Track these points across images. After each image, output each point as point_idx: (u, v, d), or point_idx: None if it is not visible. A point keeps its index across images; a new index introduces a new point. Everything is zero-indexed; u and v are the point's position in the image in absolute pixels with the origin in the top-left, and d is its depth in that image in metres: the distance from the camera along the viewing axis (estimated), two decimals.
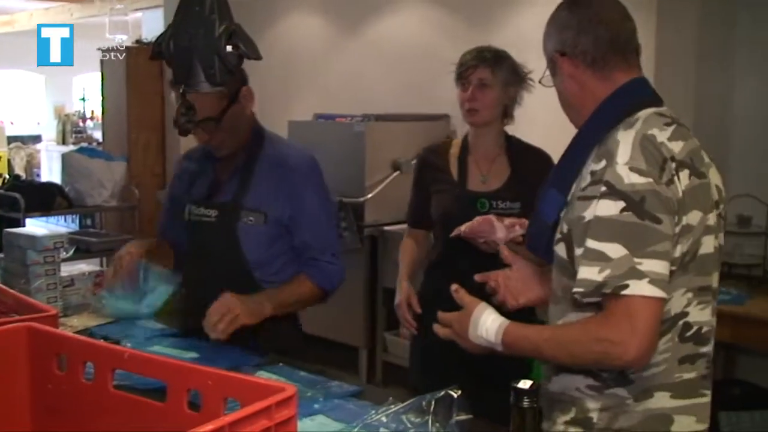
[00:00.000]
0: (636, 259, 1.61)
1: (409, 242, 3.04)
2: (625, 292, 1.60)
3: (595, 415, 1.78)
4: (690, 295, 1.75)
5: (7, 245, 2.80)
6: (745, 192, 4.42)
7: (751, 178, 4.47)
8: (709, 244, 1.75)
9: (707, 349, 1.83)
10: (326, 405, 1.91)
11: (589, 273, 1.64)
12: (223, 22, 1.71)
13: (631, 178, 1.64)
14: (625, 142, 1.70)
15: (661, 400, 1.77)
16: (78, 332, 2.53)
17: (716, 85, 4.49)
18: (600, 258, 1.63)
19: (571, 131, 1.90)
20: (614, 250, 1.62)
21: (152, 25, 7.88)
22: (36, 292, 2.65)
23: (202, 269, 2.55)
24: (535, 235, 1.95)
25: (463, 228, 2.58)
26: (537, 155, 2.90)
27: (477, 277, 2.11)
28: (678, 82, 4.29)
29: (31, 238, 2.72)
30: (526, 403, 1.17)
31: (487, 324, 1.77)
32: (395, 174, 5.20)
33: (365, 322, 5.27)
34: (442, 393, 1.66)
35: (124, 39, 7.85)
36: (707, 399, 1.86)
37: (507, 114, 2.91)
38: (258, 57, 1.77)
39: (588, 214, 1.68)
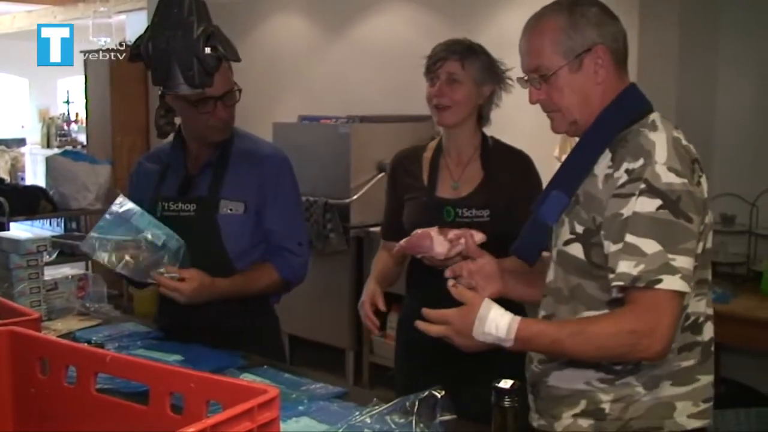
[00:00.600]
0: (670, 255, 1.66)
1: (382, 255, 2.76)
2: (658, 286, 1.65)
3: (607, 406, 1.82)
4: (697, 291, 1.82)
5: None
6: (728, 191, 4.45)
7: (735, 177, 4.50)
8: (709, 240, 1.84)
9: (701, 337, 1.88)
10: (311, 407, 1.91)
11: (626, 267, 1.68)
12: (202, 24, 1.70)
13: (669, 178, 1.69)
14: (660, 142, 1.75)
15: (665, 389, 1.83)
16: (62, 336, 2.52)
17: (699, 85, 4.51)
18: (636, 252, 1.67)
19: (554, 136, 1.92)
20: (649, 245, 1.67)
21: (136, 27, 7.86)
22: (19, 296, 2.64)
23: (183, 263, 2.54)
24: (529, 236, 1.96)
25: (402, 242, 2.34)
26: (515, 158, 2.64)
27: (447, 273, 2.09)
28: (661, 82, 4.31)
29: (14, 242, 2.71)
30: (507, 402, 1.17)
31: (497, 320, 1.75)
32: (380, 175, 5.19)
33: (352, 323, 5.27)
34: (426, 393, 1.66)
35: (107, 42, 7.82)
36: (704, 382, 1.90)
37: (481, 115, 2.63)
38: (237, 59, 1.76)
39: (626, 211, 1.71)
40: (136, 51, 1.82)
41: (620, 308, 1.72)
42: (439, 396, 1.65)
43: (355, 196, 5.23)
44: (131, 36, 7.83)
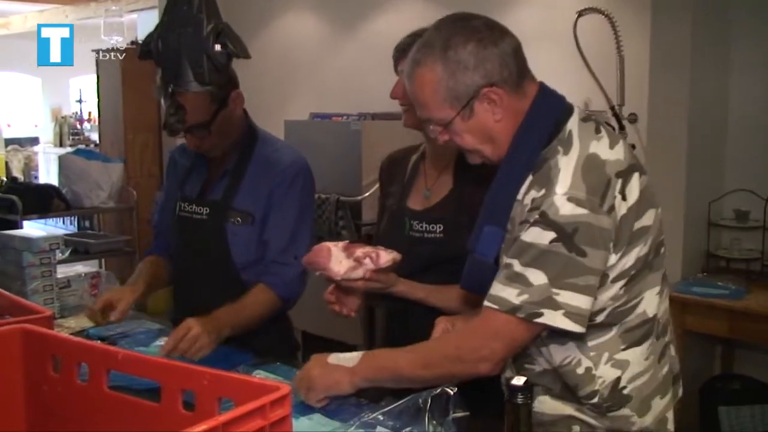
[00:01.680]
0: (554, 290, 1.61)
1: None
2: (538, 320, 1.61)
3: None
4: (659, 291, 1.77)
5: (3, 247, 2.80)
6: (742, 187, 4.42)
7: (749, 173, 4.48)
8: (653, 236, 1.74)
9: (669, 337, 1.85)
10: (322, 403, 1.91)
11: (507, 293, 1.64)
12: (211, 21, 1.70)
13: (567, 209, 1.61)
14: (565, 168, 1.66)
15: (656, 405, 1.79)
16: (74, 334, 2.52)
17: (712, 82, 4.48)
18: (521, 281, 1.63)
19: None
20: (536, 276, 1.62)
21: (147, 26, 7.84)
22: (32, 294, 2.65)
23: (190, 266, 2.56)
24: (474, 275, 1.86)
25: (304, 257, 2.16)
26: (489, 168, 2.14)
27: (326, 296, 2.14)
28: (674, 79, 4.29)
29: (27, 240, 2.72)
30: (520, 399, 1.16)
31: (350, 354, 1.86)
32: None
33: (363, 320, 5.26)
34: (438, 390, 1.65)
35: (119, 40, 7.83)
36: (668, 370, 1.86)
37: None
38: (247, 56, 1.76)
39: (523, 238, 1.65)
40: (146, 48, 1.82)
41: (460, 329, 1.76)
42: (451, 393, 1.64)
43: (366, 193, 5.22)
44: (142, 35, 7.80)
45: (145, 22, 8.16)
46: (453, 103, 1.74)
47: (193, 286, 2.48)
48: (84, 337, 2.45)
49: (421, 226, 2.26)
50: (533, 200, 1.66)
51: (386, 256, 2.05)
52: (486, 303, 1.66)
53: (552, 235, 1.60)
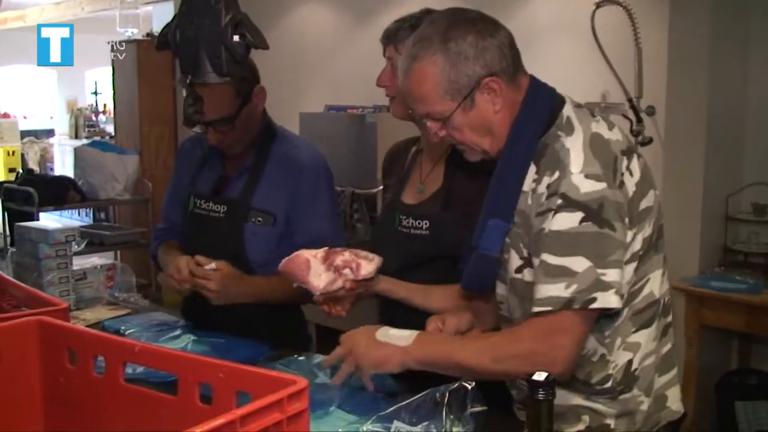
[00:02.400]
0: (600, 270, 1.58)
1: None
2: (593, 305, 1.58)
3: (612, 422, 1.76)
4: (662, 272, 1.77)
5: (19, 239, 2.80)
6: (760, 180, 4.39)
7: (766, 167, 4.44)
8: (655, 215, 1.74)
9: (670, 318, 1.84)
10: (339, 397, 1.89)
11: (555, 290, 1.59)
12: (230, 12, 1.69)
13: (587, 186, 1.60)
14: (574, 148, 1.66)
15: (657, 383, 1.79)
16: (90, 326, 2.53)
17: (731, 74, 4.44)
18: (564, 273, 1.59)
19: None
20: (578, 263, 1.58)
21: (162, 18, 7.86)
22: (48, 286, 2.65)
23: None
24: (476, 271, 1.83)
25: (282, 262, 2.06)
26: (476, 164, 2.04)
27: (320, 301, 2.07)
28: (692, 72, 4.25)
29: (43, 232, 2.72)
30: (541, 395, 1.15)
31: (401, 332, 1.78)
32: None
33: (377, 313, 5.26)
34: (456, 385, 1.64)
35: (134, 32, 7.85)
36: (677, 363, 1.87)
37: None
38: (265, 46, 1.75)
39: (546, 227, 1.62)
40: (163, 39, 1.81)
41: (524, 326, 1.67)
42: (469, 387, 1.63)
43: (381, 186, 5.21)
44: (158, 26, 7.84)
45: (160, 14, 8.16)
46: (454, 95, 1.73)
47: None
48: (99, 329, 2.45)
49: (409, 222, 2.21)
50: (548, 186, 1.65)
51: (367, 267, 1.99)
52: (536, 309, 1.61)
53: (580, 215, 1.59)
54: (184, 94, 2.35)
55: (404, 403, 1.67)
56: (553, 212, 1.61)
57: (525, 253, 1.72)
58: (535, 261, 1.65)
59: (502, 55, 1.74)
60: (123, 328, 2.49)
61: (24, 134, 12.60)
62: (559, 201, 1.60)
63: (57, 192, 6.56)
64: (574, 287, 1.58)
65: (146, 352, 1.39)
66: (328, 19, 6.68)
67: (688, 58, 4.26)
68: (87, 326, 2.46)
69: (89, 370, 1.43)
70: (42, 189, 6.44)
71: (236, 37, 1.68)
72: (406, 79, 1.79)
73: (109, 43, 7.78)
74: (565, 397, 1.77)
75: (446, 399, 1.63)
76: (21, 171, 8.62)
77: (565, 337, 1.60)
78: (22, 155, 11.92)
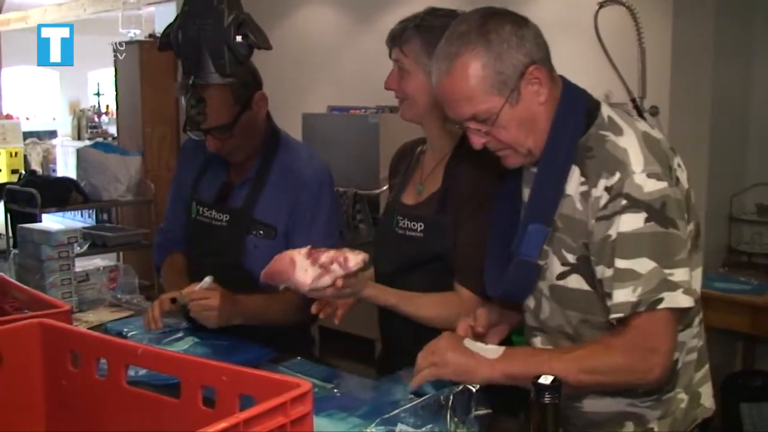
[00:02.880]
0: (666, 271, 1.55)
1: None
2: (661, 306, 1.54)
3: (655, 425, 1.74)
4: (701, 270, 1.74)
5: (22, 240, 2.80)
6: (764, 181, 4.38)
7: None
8: (696, 218, 1.73)
9: (702, 314, 1.82)
10: (342, 400, 1.89)
11: (624, 295, 1.56)
12: (232, 12, 1.67)
13: (650, 186, 1.57)
14: (631, 147, 1.62)
15: (694, 379, 1.78)
16: (93, 328, 2.53)
17: (735, 74, 4.44)
18: (630, 276, 1.56)
19: None
20: (643, 264, 1.55)
21: (165, 19, 7.87)
22: (50, 288, 2.65)
23: (207, 271, 2.49)
24: (517, 279, 1.77)
25: (265, 269, 2.00)
26: (473, 165, 2.11)
27: (313, 309, 2.03)
28: (696, 72, 4.25)
29: (46, 233, 2.71)
30: (547, 398, 1.14)
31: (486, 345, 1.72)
32: None
33: (378, 319, 5.25)
34: (461, 387, 1.64)
35: (137, 33, 7.84)
36: (703, 344, 1.84)
37: None
38: (268, 47, 1.73)
39: (613, 232, 1.59)
40: (166, 40, 1.80)
41: (614, 336, 1.60)
42: (474, 390, 1.63)
43: (384, 187, 5.20)
44: (160, 28, 7.85)
45: (162, 15, 8.16)
46: (501, 88, 1.66)
47: None
48: (102, 331, 2.45)
49: (405, 223, 2.17)
50: (608, 188, 1.60)
51: (354, 258, 1.89)
52: (612, 316, 1.58)
53: (643, 215, 1.56)
54: (183, 102, 2.33)
55: (408, 405, 1.66)
56: (616, 214, 1.58)
57: (571, 259, 1.69)
58: (605, 270, 1.61)
59: (538, 44, 1.69)
60: (125, 330, 2.48)
61: (27, 135, 12.58)
62: (624, 202, 1.58)
63: (60, 193, 6.55)
64: (640, 290, 1.55)
65: (149, 355, 1.39)
66: (330, 20, 6.68)
67: (692, 58, 4.26)
68: (89, 328, 2.46)
69: (92, 373, 1.43)
70: (44, 190, 6.42)
71: (239, 38, 1.67)
72: (446, 80, 1.70)
73: (111, 44, 7.78)
74: (608, 405, 1.74)
75: (450, 402, 1.62)
76: (24, 172, 8.60)
77: (655, 342, 1.56)
78: (25, 156, 11.91)
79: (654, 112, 4.38)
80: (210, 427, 1.05)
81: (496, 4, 1.73)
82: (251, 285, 2.41)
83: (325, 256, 1.90)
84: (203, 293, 2.24)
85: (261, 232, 2.41)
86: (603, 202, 1.61)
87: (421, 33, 2.11)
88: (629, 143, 1.63)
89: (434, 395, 1.65)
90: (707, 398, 1.81)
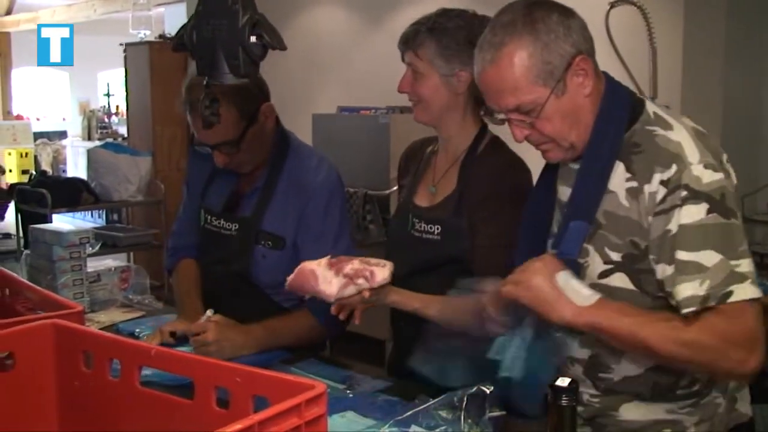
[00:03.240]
0: (732, 262, 1.50)
1: None
2: (731, 299, 1.49)
3: (692, 430, 1.70)
4: None
5: (33, 241, 2.80)
6: None
7: None
8: None
9: None
10: (356, 401, 1.89)
11: (691, 289, 1.51)
12: (247, 12, 1.67)
13: (708, 176, 1.54)
14: (684, 140, 1.59)
15: (731, 384, 1.73)
16: (105, 328, 2.52)
17: (746, 74, 4.42)
18: (697, 269, 1.51)
19: None
20: (709, 257, 1.51)
21: (175, 20, 7.91)
22: (62, 288, 2.65)
23: (217, 278, 2.49)
24: None
25: (289, 278, 1.98)
26: (491, 167, 2.12)
27: (333, 310, 1.98)
28: (707, 72, 4.24)
29: (57, 234, 2.71)
30: (564, 401, 1.13)
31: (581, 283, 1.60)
32: None
33: (390, 315, 5.24)
34: (474, 389, 1.63)
35: (147, 34, 7.87)
36: None
37: (482, 102, 1.95)
38: (283, 47, 1.72)
39: (673, 226, 1.54)
40: (179, 40, 1.79)
41: (707, 319, 1.51)
42: (488, 391, 1.62)
43: (394, 187, 5.16)
44: (170, 28, 7.88)
45: (172, 16, 8.19)
46: (546, 79, 1.62)
47: (219, 295, 2.44)
48: (113, 331, 2.45)
49: (421, 226, 2.16)
50: (664, 182, 1.56)
51: (381, 274, 1.90)
52: (684, 311, 1.53)
53: (705, 206, 1.52)
54: (189, 118, 2.32)
55: (422, 407, 1.65)
56: (679, 207, 1.54)
57: (615, 257, 1.64)
58: (666, 268, 1.56)
59: (585, 36, 1.66)
60: (137, 330, 2.48)
61: (37, 136, 12.63)
62: (684, 193, 1.54)
63: (70, 193, 6.57)
64: (707, 283, 1.50)
65: (162, 356, 1.39)
66: (340, 20, 6.68)
67: (703, 58, 4.25)
68: (101, 329, 2.46)
69: (105, 374, 1.43)
70: (55, 190, 6.44)
71: (253, 38, 1.66)
72: (491, 70, 1.65)
73: (121, 44, 7.80)
74: (646, 413, 1.70)
75: (465, 403, 1.62)
76: (34, 173, 8.62)
77: (745, 334, 1.51)
78: (35, 157, 11.95)
79: None
80: (226, 428, 1.05)
81: (507, 2, 1.70)
82: (259, 295, 2.42)
83: (350, 267, 1.90)
84: (200, 327, 2.23)
85: (269, 242, 2.39)
86: (660, 196, 1.57)
87: (434, 35, 2.09)
88: (681, 136, 1.60)
89: (448, 396, 1.65)
90: (743, 403, 1.76)
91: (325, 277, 1.91)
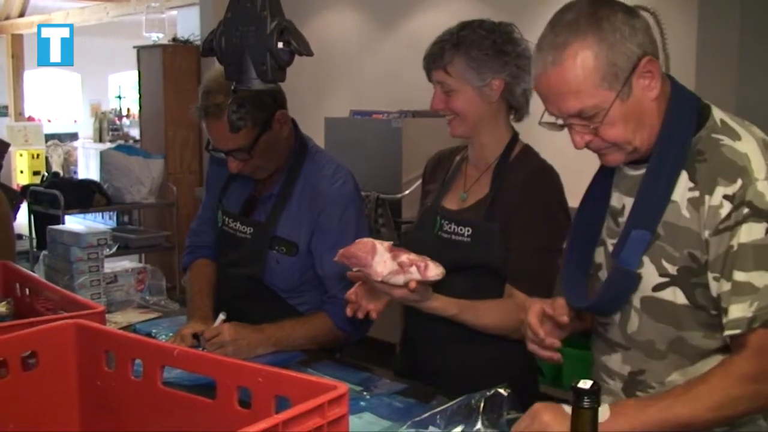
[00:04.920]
0: None
1: None
2: None
3: None
4: None
5: (51, 242, 2.82)
6: None
7: None
8: None
9: None
10: (373, 402, 1.91)
11: (741, 310, 1.46)
12: (275, 19, 1.69)
13: None
14: (753, 152, 1.52)
15: None
16: (122, 328, 2.54)
17: (760, 81, 4.41)
18: (747, 290, 1.46)
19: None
20: (761, 278, 1.46)
21: (187, 23, 7.91)
22: (80, 289, 2.67)
23: (232, 280, 2.52)
24: (614, 288, 1.65)
25: (341, 251, 1.96)
26: (523, 174, 2.15)
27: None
28: (720, 79, 4.23)
29: (75, 235, 2.73)
30: (586, 403, 1.14)
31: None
32: None
33: (401, 318, 5.25)
34: (492, 392, 1.64)
35: (160, 37, 7.89)
36: None
37: (514, 108, 2.19)
38: (309, 53, 1.74)
39: (734, 244, 1.48)
40: (208, 46, 1.82)
41: (732, 362, 1.48)
42: (505, 394, 1.63)
43: (407, 191, 5.21)
44: (182, 31, 7.88)
45: (185, 19, 8.20)
46: (612, 82, 1.53)
47: (234, 297, 2.46)
48: (131, 332, 2.46)
49: (451, 228, 2.16)
50: (729, 197, 1.49)
51: (435, 269, 1.87)
52: (727, 333, 1.48)
53: (765, 225, 1.46)
54: (204, 126, 2.34)
55: (440, 408, 1.66)
56: (740, 225, 1.48)
57: (671, 270, 1.57)
58: (723, 284, 1.50)
59: (650, 36, 1.57)
60: (154, 331, 2.50)
61: (48, 137, 12.68)
62: (746, 210, 1.47)
63: (83, 195, 6.60)
64: (756, 305, 1.45)
65: (185, 356, 1.40)
66: (353, 24, 6.70)
67: (717, 65, 4.24)
68: (118, 329, 2.47)
69: (127, 374, 1.44)
70: (68, 192, 6.47)
71: (281, 44, 1.68)
72: (552, 72, 1.56)
73: (135, 47, 7.83)
74: None
75: (482, 405, 1.63)
76: (46, 174, 8.66)
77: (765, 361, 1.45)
78: (47, 158, 12.00)
79: None
80: (250, 427, 1.06)
81: (514, 7, 1.68)
82: (274, 298, 2.43)
83: (406, 256, 1.88)
84: (215, 330, 2.26)
85: (283, 248, 2.41)
86: (725, 212, 1.50)
87: (461, 50, 2.10)
88: (749, 148, 1.53)
89: (466, 398, 1.66)
90: None
91: (382, 257, 1.88)
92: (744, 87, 4.23)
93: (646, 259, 1.59)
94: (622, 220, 1.67)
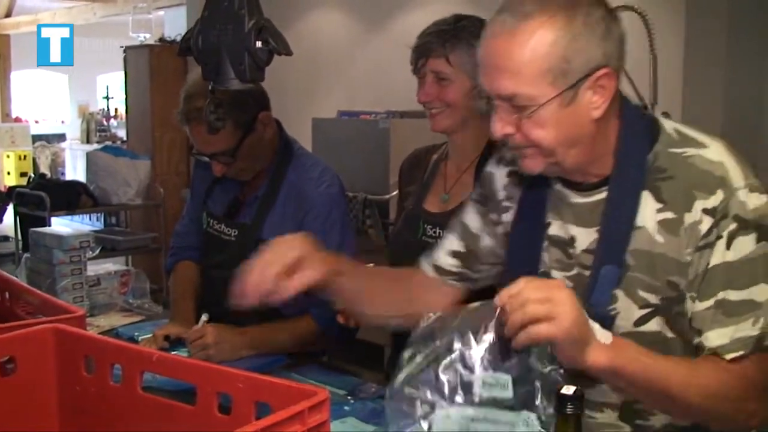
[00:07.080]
0: None
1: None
2: None
3: None
4: None
5: (33, 244, 2.79)
6: None
7: None
8: None
9: None
10: (356, 407, 1.89)
11: (743, 330, 1.36)
12: (253, 17, 1.67)
13: (754, 200, 1.39)
14: (727, 160, 1.42)
15: None
16: (104, 332, 2.52)
17: (747, 82, 4.42)
18: (747, 307, 1.37)
19: None
20: (760, 292, 1.37)
21: (175, 23, 7.90)
22: (62, 292, 2.64)
23: (216, 282, 2.47)
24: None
25: None
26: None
27: None
28: (708, 79, 4.23)
29: (58, 238, 2.71)
30: (570, 409, 1.12)
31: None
32: None
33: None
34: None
35: (147, 37, 7.87)
36: None
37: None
38: (288, 52, 1.71)
39: (717, 260, 1.39)
40: (185, 45, 1.79)
41: (730, 363, 1.38)
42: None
43: (394, 192, 5.17)
44: (170, 31, 7.87)
45: (172, 19, 8.19)
46: (557, 78, 1.37)
47: (218, 299, 2.44)
48: (113, 336, 2.44)
49: (435, 231, 2.11)
50: (709, 210, 1.40)
51: None
52: (728, 356, 1.37)
53: (753, 236, 1.38)
54: (188, 131, 2.33)
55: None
56: (725, 240, 1.38)
57: (653, 300, 1.45)
58: (704, 304, 1.41)
59: (621, 51, 1.43)
60: (137, 334, 2.48)
61: (35, 138, 12.63)
62: (732, 225, 1.38)
63: (69, 197, 6.56)
64: (761, 321, 1.36)
65: (164, 361, 1.38)
66: (341, 25, 6.69)
67: (704, 65, 4.24)
68: (101, 333, 2.45)
69: (106, 379, 1.42)
70: (54, 193, 6.43)
71: (259, 43, 1.66)
72: (501, 39, 1.39)
73: (121, 47, 7.80)
74: None
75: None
76: (33, 175, 8.62)
77: (761, 388, 1.38)
78: (34, 159, 11.94)
79: (666, 118, 4.37)
80: None
81: (497, 4, 1.57)
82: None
83: None
84: (198, 332, 2.25)
85: None
86: (705, 227, 1.40)
87: (462, 40, 2.05)
88: (720, 154, 1.43)
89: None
90: None
91: None
92: (733, 87, 4.23)
93: (620, 294, 1.46)
94: (574, 252, 1.54)
